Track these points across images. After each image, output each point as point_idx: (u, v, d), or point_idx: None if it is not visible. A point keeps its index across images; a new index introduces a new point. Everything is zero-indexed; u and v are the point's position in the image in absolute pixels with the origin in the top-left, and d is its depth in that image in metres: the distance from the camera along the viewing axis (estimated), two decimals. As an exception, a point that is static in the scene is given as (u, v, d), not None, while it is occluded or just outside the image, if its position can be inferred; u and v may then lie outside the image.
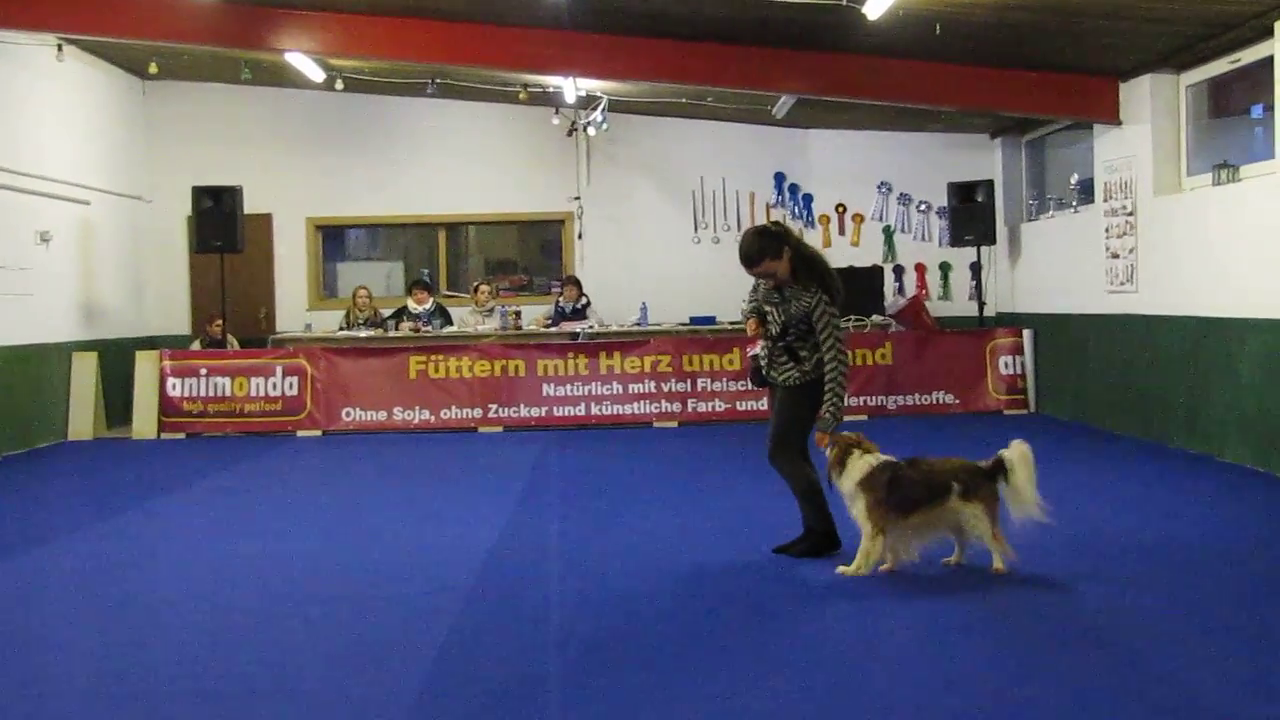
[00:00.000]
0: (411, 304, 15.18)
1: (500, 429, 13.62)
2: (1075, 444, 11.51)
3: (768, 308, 7.06)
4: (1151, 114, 11.36)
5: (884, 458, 6.47)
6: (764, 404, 13.58)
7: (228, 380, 13.70)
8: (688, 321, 14.99)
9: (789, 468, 6.97)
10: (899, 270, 16.30)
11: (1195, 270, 10.56)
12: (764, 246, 6.94)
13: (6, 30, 12.12)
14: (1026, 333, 14.08)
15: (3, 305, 12.23)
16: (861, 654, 5.13)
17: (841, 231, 16.45)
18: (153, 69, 14.67)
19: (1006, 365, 13.99)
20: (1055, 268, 13.79)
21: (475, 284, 15.80)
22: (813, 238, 16.39)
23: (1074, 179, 13.43)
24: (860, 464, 6.43)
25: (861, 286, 14.80)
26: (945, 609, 5.72)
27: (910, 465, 6.47)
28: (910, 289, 16.22)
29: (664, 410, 13.76)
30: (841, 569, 6.45)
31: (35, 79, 13.26)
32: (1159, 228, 11.25)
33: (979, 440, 11.82)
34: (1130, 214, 11.68)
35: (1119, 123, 11.91)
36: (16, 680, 4.99)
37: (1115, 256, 11.98)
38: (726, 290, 15.83)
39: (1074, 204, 13.47)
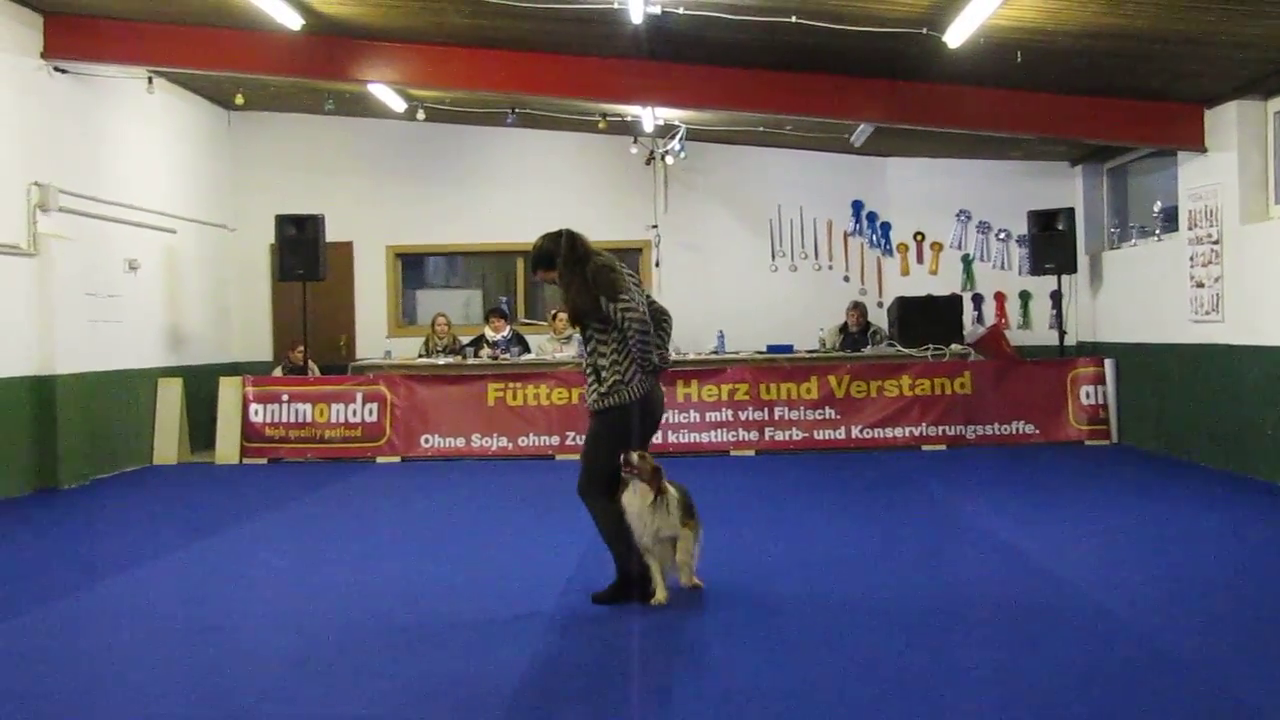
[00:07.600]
0: (489, 331, 15.28)
1: (577, 457, 13.61)
2: (1158, 476, 11.32)
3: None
4: (1238, 141, 11.20)
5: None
6: (841, 434, 13.69)
7: (309, 406, 13.89)
8: (765, 350, 14.90)
9: (595, 505, 6.50)
10: (978, 299, 16.17)
11: (1284, 300, 10.38)
12: (538, 258, 6.61)
13: (102, 64, 12.46)
14: (1108, 362, 13.88)
15: (93, 331, 12.50)
16: (931, 692, 5.09)
17: (920, 260, 16.35)
18: (239, 100, 14.98)
19: (1088, 395, 13.78)
20: (1138, 297, 13.60)
21: (553, 312, 15.88)
22: (891, 265, 16.35)
23: (1157, 207, 13.23)
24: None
25: (940, 315, 14.73)
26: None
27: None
28: (989, 318, 16.08)
29: (741, 439, 13.71)
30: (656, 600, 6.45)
31: (126, 111, 13.59)
32: (1245, 256, 11.06)
33: (1060, 471, 11.78)
34: (1216, 242, 11.50)
35: (1204, 150, 11.75)
36: (99, 704, 5.08)
37: (1200, 285, 11.80)
38: (804, 318, 15.88)
39: (1157, 232, 13.28)
